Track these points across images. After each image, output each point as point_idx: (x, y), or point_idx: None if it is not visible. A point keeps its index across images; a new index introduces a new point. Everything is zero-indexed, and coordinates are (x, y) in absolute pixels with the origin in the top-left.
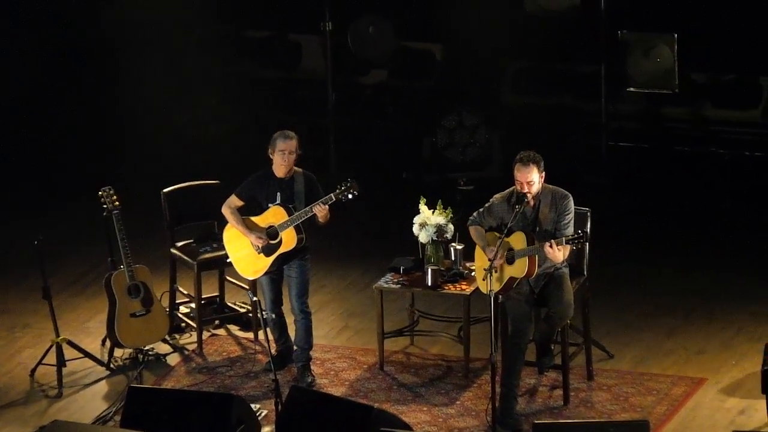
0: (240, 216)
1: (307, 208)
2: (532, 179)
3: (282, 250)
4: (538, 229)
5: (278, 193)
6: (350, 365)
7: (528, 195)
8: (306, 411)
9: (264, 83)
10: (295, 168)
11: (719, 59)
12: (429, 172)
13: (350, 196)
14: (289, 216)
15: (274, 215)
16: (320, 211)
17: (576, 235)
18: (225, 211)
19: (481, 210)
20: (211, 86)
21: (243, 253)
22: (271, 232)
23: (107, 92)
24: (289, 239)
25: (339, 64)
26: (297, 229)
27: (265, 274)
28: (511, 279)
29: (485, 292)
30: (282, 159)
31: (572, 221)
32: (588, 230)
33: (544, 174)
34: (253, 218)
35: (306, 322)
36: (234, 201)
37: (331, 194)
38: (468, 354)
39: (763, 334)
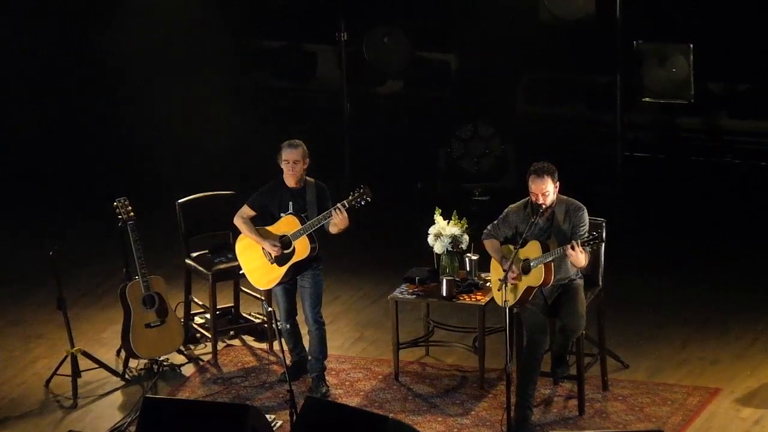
0: (253, 225)
1: (320, 216)
2: (547, 190)
3: (295, 259)
4: (552, 239)
5: (290, 203)
6: (365, 375)
7: (543, 206)
8: (321, 421)
9: (279, 93)
10: (307, 178)
11: (735, 69)
12: (444, 182)
13: (363, 202)
14: (301, 225)
15: (287, 224)
16: (338, 215)
17: (592, 236)
18: (237, 221)
19: (495, 222)
20: (227, 97)
21: (256, 264)
22: (285, 241)
23: (122, 102)
24: (302, 248)
25: (354, 75)
26: (310, 238)
27: (279, 284)
28: (528, 289)
29: (501, 305)
30: (288, 168)
31: (587, 232)
32: (603, 240)
33: (558, 184)
34: (266, 228)
35: (320, 332)
36: (246, 211)
37: (344, 201)
38: (483, 364)
39: None
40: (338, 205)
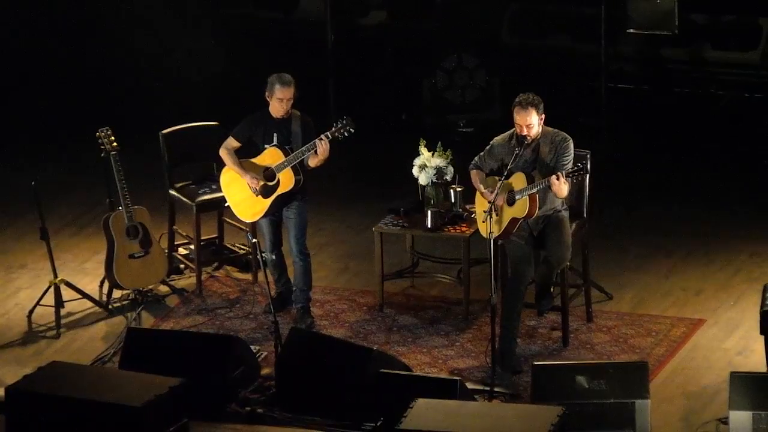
0: (237, 158)
1: (304, 148)
2: (531, 122)
3: (280, 191)
4: (538, 170)
5: (275, 134)
6: (350, 307)
7: (527, 137)
8: (306, 352)
9: (262, 24)
10: (293, 110)
11: (719, 0)
12: (428, 114)
13: (346, 133)
14: (285, 157)
15: (271, 156)
16: (320, 146)
17: (576, 168)
18: (222, 152)
19: (481, 153)
20: (209, 28)
21: (241, 197)
22: (269, 174)
23: (103, 34)
24: (286, 180)
25: (338, 5)
26: (294, 169)
27: (264, 216)
28: (513, 221)
29: (486, 236)
30: (280, 105)
31: (571, 163)
32: (588, 172)
33: (543, 117)
34: (251, 160)
35: (305, 264)
36: (231, 142)
37: (327, 132)
38: (468, 296)
39: (762, 275)
40: (322, 135)
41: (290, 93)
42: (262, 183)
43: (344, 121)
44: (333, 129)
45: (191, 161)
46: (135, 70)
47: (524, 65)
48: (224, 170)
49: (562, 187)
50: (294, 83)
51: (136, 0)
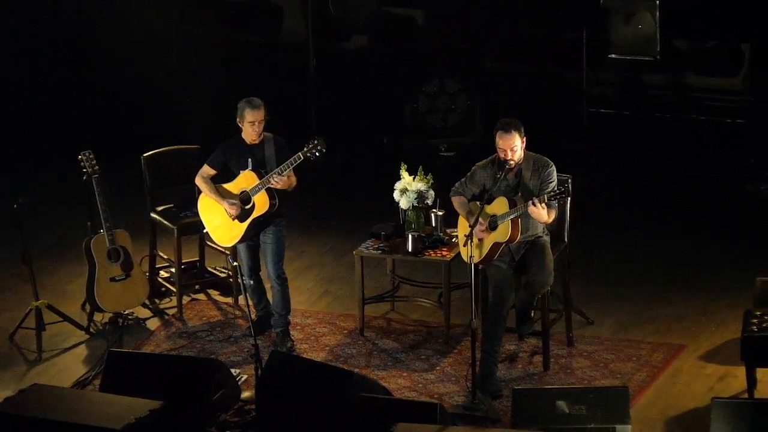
0: (213, 185)
1: (277, 170)
2: (515, 145)
3: (255, 214)
4: (520, 195)
5: (249, 159)
6: (330, 330)
7: (511, 162)
8: (286, 376)
9: (245, 47)
10: (265, 133)
11: (701, 26)
12: (410, 138)
13: (317, 153)
14: (260, 180)
15: (246, 180)
16: (277, 183)
17: (559, 190)
18: (198, 181)
19: (463, 180)
20: (192, 51)
21: (218, 222)
22: (244, 197)
23: (86, 56)
24: (261, 203)
25: (320, 29)
26: (269, 193)
27: (242, 241)
28: (495, 245)
29: (467, 261)
30: (252, 129)
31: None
32: (569, 197)
33: (525, 139)
34: (226, 185)
35: (282, 288)
36: (206, 170)
37: (299, 153)
38: (448, 320)
39: (743, 301)
40: (292, 158)
41: (261, 115)
42: (239, 207)
43: (315, 141)
44: (305, 149)
45: (173, 184)
46: (117, 93)
47: (506, 90)
48: (201, 196)
49: (541, 212)
50: (263, 105)
51: (118, 23)
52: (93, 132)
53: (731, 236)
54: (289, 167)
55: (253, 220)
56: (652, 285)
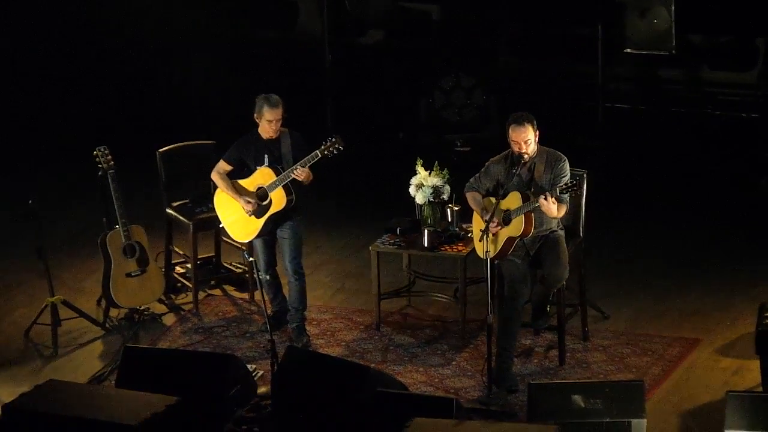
0: (229, 180)
1: (294, 166)
2: (529, 138)
3: (272, 210)
4: (533, 189)
5: (266, 155)
6: (346, 326)
7: (525, 155)
8: (302, 371)
9: (260, 43)
10: (281, 128)
11: (716, 20)
12: (426, 132)
13: (335, 151)
14: (276, 176)
15: (262, 176)
16: (300, 174)
17: (571, 183)
18: (214, 176)
19: (477, 175)
20: (207, 46)
21: (235, 217)
22: (261, 194)
23: (101, 51)
24: (278, 199)
25: (336, 25)
26: (286, 189)
27: (258, 236)
28: (509, 240)
29: (482, 256)
30: (270, 126)
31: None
32: (584, 191)
33: (538, 132)
34: (242, 181)
35: (300, 284)
36: (223, 166)
37: (317, 151)
38: (464, 315)
39: (758, 295)
40: (309, 155)
41: (279, 114)
42: (255, 204)
43: (333, 139)
44: (322, 147)
45: (188, 180)
46: (132, 88)
47: (521, 85)
48: (217, 191)
49: (551, 207)
50: (282, 103)
51: (134, 20)
52: (109, 128)
53: (746, 231)
54: (306, 165)
55: (270, 216)
56: (667, 279)
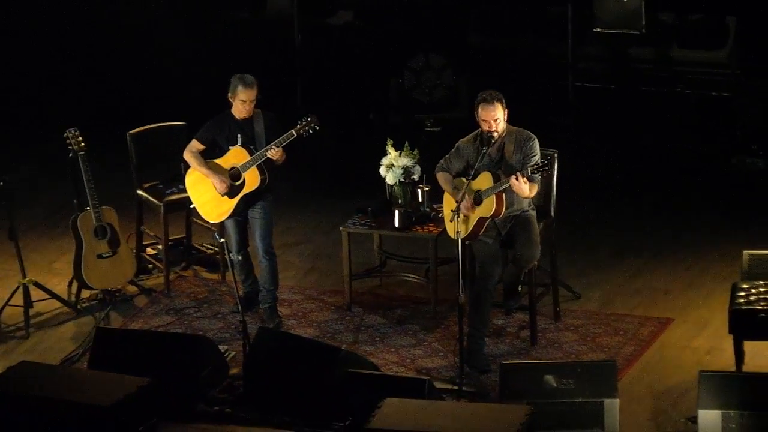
0: (203, 159)
1: (267, 147)
2: (498, 116)
3: (245, 190)
4: (503, 169)
5: (239, 135)
6: (318, 306)
7: (494, 134)
8: (274, 352)
9: (230, 24)
10: (255, 109)
11: None
12: (396, 113)
13: (311, 131)
14: (250, 156)
15: (235, 156)
16: (274, 154)
17: (541, 163)
18: (187, 155)
19: (446, 156)
20: (178, 26)
21: (207, 197)
22: (234, 174)
23: (72, 31)
24: (251, 179)
25: (305, 5)
26: (259, 169)
27: (230, 217)
28: (480, 221)
29: (453, 237)
30: (243, 107)
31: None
32: (555, 171)
33: (506, 111)
34: (216, 161)
35: (271, 264)
36: (195, 145)
37: (292, 130)
38: (436, 295)
39: (730, 274)
40: (285, 135)
41: (253, 94)
42: (229, 183)
43: (309, 119)
44: (298, 126)
45: (159, 161)
46: (102, 69)
47: (491, 65)
48: (189, 171)
49: (522, 186)
50: (256, 84)
51: (104, 1)
52: (79, 109)
53: (717, 210)
54: (281, 144)
55: (243, 196)
56: (639, 259)
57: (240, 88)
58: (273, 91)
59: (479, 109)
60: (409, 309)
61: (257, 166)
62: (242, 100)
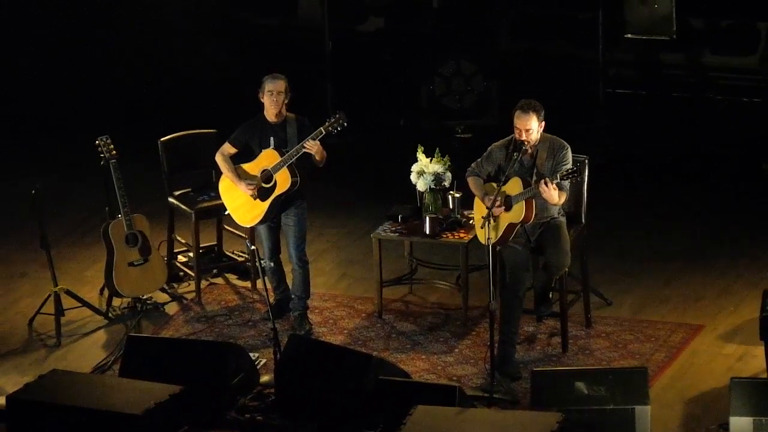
0: (232, 164)
1: (298, 146)
2: (531, 127)
3: (277, 192)
4: (535, 177)
5: (271, 138)
6: (349, 314)
7: (526, 143)
8: (305, 359)
9: (261, 30)
10: (288, 113)
11: (717, 4)
12: (426, 120)
13: (339, 127)
14: (281, 157)
15: (267, 159)
16: (311, 147)
17: (572, 170)
18: (218, 158)
19: (478, 160)
20: (208, 34)
21: (240, 202)
22: (265, 175)
23: (103, 40)
24: (283, 181)
25: (336, 11)
26: (291, 170)
27: (263, 221)
28: (510, 226)
29: (484, 242)
30: (271, 100)
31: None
32: (586, 177)
33: (543, 124)
34: (246, 165)
35: (303, 271)
36: (227, 148)
37: (321, 128)
38: (466, 302)
39: (762, 280)
40: (314, 133)
41: (280, 86)
42: (256, 188)
43: (337, 115)
44: (326, 124)
45: (190, 169)
46: (134, 77)
47: (522, 71)
48: (222, 177)
49: (551, 193)
50: (285, 80)
51: (134, 6)
52: (111, 117)
53: (748, 216)
54: (308, 141)
55: (275, 198)
56: (670, 265)
57: (267, 82)
58: (304, 97)
59: (514, 116)
60: (440, 316)
61: (288, 167)
62: (269, 91)
